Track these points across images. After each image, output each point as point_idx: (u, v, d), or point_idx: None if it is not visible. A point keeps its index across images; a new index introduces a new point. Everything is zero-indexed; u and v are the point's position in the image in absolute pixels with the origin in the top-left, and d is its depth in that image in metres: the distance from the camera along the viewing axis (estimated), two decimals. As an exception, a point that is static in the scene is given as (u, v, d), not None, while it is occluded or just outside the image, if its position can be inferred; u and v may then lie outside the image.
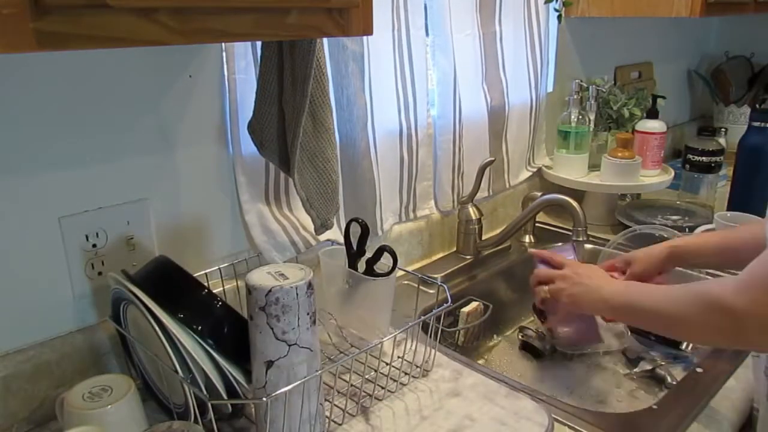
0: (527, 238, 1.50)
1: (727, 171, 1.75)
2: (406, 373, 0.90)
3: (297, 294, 0.69)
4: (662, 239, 1.34)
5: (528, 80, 1.47)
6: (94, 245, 0.86)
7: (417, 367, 0.91)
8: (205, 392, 0.71)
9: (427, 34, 1.22)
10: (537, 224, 1.54)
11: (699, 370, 0.98)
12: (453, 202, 1.38)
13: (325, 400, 0.82)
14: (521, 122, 1.49)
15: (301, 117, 0.86)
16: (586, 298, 0.93)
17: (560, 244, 1.26)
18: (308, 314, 0.70)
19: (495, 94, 1.39)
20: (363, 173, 1.15)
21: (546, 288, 1.00)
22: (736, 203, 1.50)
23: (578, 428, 0.84)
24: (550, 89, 1.59)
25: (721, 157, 1.63)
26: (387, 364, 0.89)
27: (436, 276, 1.19)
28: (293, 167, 0.90)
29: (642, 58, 1.96)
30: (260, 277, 0.70)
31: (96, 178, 0.85)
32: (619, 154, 1.51)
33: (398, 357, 0.92)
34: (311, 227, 0.99)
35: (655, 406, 0.90)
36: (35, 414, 0.82)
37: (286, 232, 1.06)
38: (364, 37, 1.06)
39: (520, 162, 1.54)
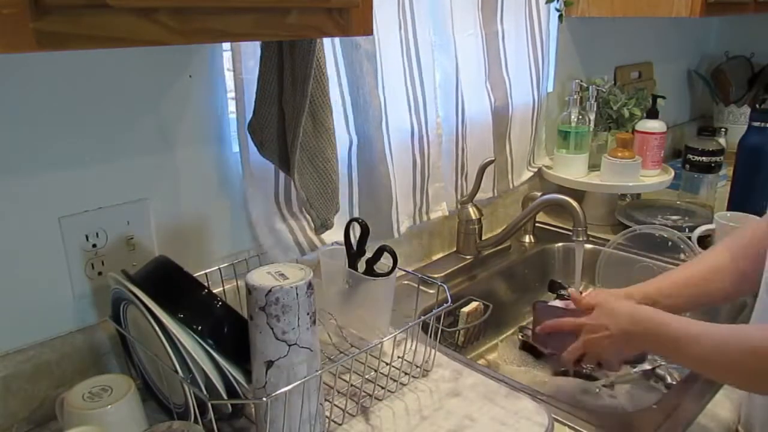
0: (527, 238, 1.50)
1: (727, 171, 1.75)
2: (406, 373, 0.90)
3: (297, 294, 0.69)
4: (662, 239, 1.34)
5: (530, 80, 1.47)
6: (94, 245, 0.86)
7: (417, 367, 0.91)
8: (205, 392, 0.71)
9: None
10: (537, 224, 1.54)
11: (699, 369, 0.98)
12: (456, 202, 1.37)
13: (325, 400, 0.82)
14: (524, 122, 1.49)
15: (301, 117, 0.86)
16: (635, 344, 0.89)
17: (556, 302, 1.08)
18: (308, 314, 0.70)
19: (499, 93, 1.38)
20: (380, 178, 1.14)
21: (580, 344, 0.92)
22: (736, 203, 1.51)
23: (578, 428, 0.84)
24: (550, 89, 1.59)
25: (721, 157, 1.63)
26: (387, 364, 0.89)
27: (436, 276, 1.19)
28: (293, 167, 0.90)
29: (642, 58, 1.96)
30: (260, 277, 0.70)
31: (96, 178, 0.85)
32: (619, 154, 1.51)
33: (398, 357, 0.92)
34: (319, 228, 0.99)
35: (655, 406, 0.90)
36: (35, 414, 0.82)
37: (292, 232, 1.06)
38: (375, 38, 1.06)
39: (522, 162, 1.54)
